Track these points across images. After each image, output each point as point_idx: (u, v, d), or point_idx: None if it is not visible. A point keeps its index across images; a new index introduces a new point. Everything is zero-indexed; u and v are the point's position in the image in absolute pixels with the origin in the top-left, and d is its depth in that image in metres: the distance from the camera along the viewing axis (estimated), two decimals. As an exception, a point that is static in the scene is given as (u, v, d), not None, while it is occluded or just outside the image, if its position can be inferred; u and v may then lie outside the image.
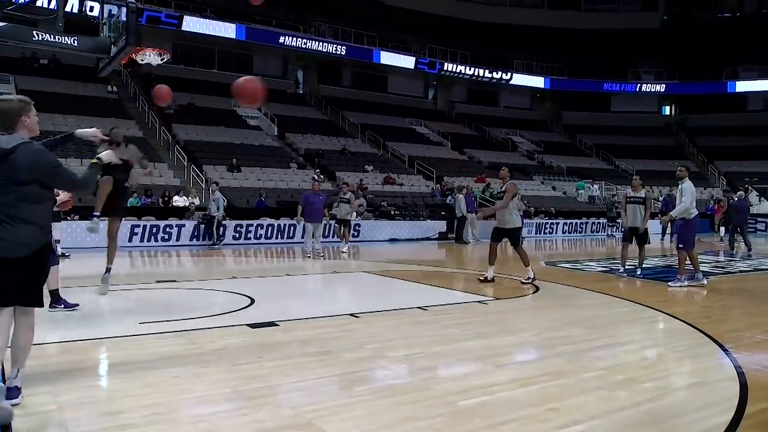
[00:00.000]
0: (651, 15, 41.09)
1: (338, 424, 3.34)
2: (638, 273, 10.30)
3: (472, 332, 5.80)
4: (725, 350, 5.18)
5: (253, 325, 5.82)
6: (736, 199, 17.61)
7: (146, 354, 4.78)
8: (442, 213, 21.55)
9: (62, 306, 6.24)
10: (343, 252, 13.97)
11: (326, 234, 17.10)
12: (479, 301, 7.56)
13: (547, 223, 23.29)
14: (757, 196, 32.38)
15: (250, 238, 16.63)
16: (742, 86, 40.51)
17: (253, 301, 7.28)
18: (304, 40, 31.87)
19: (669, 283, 9.06)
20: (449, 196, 22.14)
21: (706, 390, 4.18)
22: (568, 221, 24.10)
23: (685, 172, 9.37)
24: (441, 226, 20.34)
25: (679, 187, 9.22)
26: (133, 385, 4.03)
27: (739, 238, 16.00)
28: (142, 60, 11.44)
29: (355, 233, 18.41)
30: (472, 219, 19.12)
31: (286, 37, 31.24)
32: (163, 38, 27.36)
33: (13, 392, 3.47)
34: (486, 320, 6.50)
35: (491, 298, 7.78)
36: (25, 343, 3.59)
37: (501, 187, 9.42)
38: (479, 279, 9.28)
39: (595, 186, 30.98)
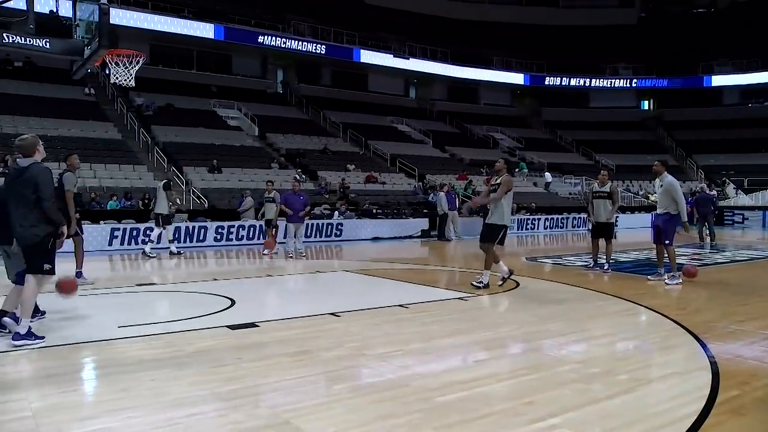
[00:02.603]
0: (628, 11, 41.49)
1: (316, 423, 3.36)
2: (606, 267, 10.11)
3: (451, 329, 5.84)
4: (699, 341, 5.27)
5: (232, 327, 5.81)
6: (699, 191, 18.37)
7: (124, 358, 4.75)
8: (425, 211, 21.61)
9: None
10: (265, 255, 13.58)
11: (308, 234, 17.08)
12: (459, 298, 7.61)
13: (529, 218, 23.44)
14: (734, 188, 32.88)
15: (231, 240, 16.54)
16: (717, 80, 41.16)
17: (233, 302, 7.25)
18: (284, 40, 31.74)
19: (666, 281, 8.74)
20: (431, 194, 22.21)
21: (679, 380, 4.25)
22: (550, 216, 24.29)
23: (660, 166, 9.04)
24: (423, 223, 20.39)
25: (658, 182, 8.97)
26: (109, 389, 4.01)
27: (705, 229, 16.93)
28: (115, 78, 11.42)
29: (338, 233, 18.40)
30: (454, 216, 19.20)
31: (265, 37, 31.09)
32: (139, 39, 27.12)
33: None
34: (465, 317, 6.54)
35: (471, 295, 7.82)
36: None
37: (497, 180, 8.47)
38: (473, 284, 8.33)
39: (548, 174, 31.44)
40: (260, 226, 16.01)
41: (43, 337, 5.18)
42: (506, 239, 8.61)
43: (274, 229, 14.13)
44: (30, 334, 5.09)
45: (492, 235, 8.36)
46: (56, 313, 6.30)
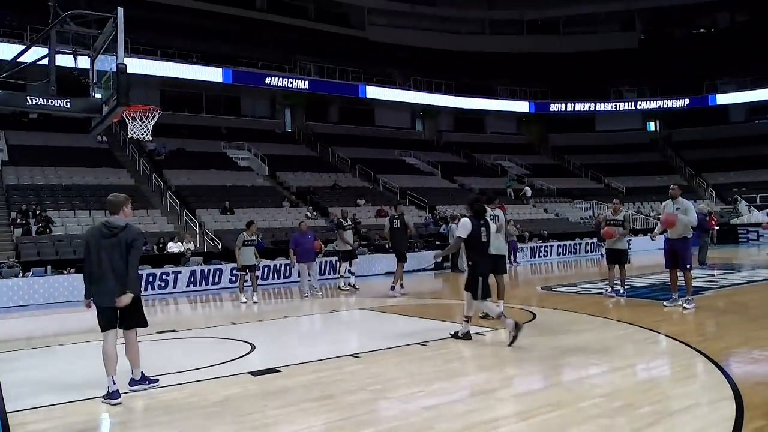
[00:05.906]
0: (629, 35, 42.06)
1: (344, 471, 3.40)
2: (621, 292, 10.50)
3: (472, 366, 5.87)
4: (721, 369, 5.27)
5: (255, 373, 5.87)
6: (698, 212, 18.10)
7: (151, 408, 4.82)
8: (437, 243, 21.65)
9: None
10: (244, 303, 12.52)
11: (322, 272, 17.16)
12: (478, 333, 7.63)
13: (541, 246, 23.41)
14: (746, 205, 32.73)
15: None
16: (723, 99, 41.27)
17: (253, 347, 7.32)
18: (291, 80, 32.34)
19: (684, 306, 8.78)
20: (442, 226, 22.29)
21: (703, 411, 4.26)
22: (562, 243, 24.25)
23: (678, 190, 9.25)
24: (436, 255, 20.40)
25: (673, 205, 9.07)
26: (139, 443, 4.08)
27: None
28: (132, 133, 11.83)
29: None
30: (467, 247, 19.23)
31: (272, 78, 31.74)
32: (150, 86, 27.77)
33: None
34: (486, 353, 6.57)
35: (490, 329, 7.84)
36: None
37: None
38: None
39: (527, 188, 31.89)
40: (276, 265, 16.06)
41: (157, 380, 5.53)
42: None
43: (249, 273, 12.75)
44: (144, 379, 5.47)
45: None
46: (80, 366, 6.39)
